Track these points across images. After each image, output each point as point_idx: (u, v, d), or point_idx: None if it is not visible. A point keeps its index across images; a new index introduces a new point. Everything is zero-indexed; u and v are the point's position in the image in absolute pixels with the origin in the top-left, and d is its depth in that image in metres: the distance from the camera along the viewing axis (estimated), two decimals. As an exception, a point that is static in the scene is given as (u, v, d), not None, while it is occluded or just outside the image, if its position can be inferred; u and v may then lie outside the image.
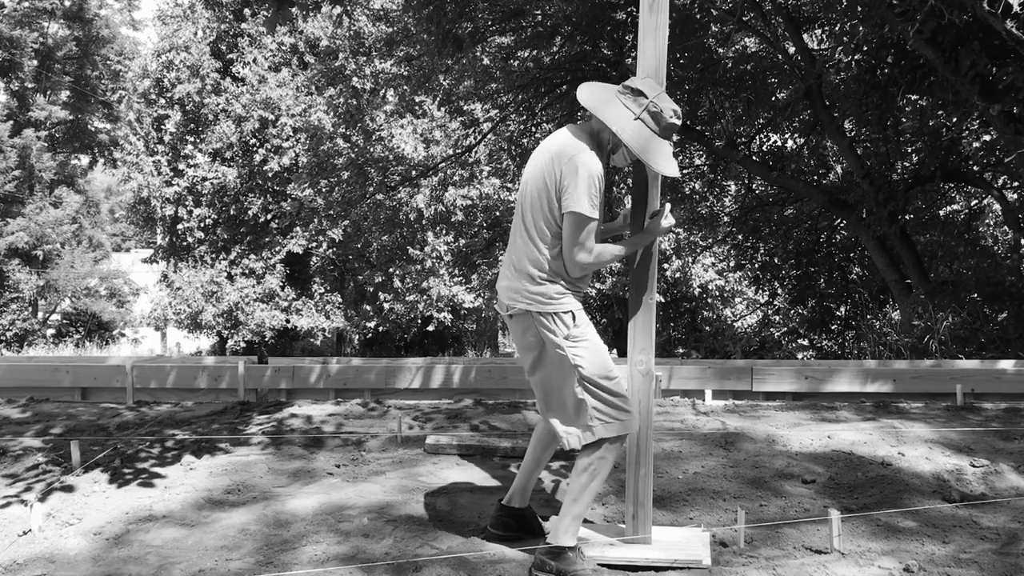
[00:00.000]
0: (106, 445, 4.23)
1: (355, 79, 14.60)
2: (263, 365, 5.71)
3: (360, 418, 4.95)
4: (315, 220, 15.73)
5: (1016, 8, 5.13)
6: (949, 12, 5.69)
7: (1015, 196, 10.51)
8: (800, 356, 11.65)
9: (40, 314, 23.82)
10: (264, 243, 17.07)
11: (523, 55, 10.00)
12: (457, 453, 4.07)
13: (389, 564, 2.69)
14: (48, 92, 25.30)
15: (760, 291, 14.94)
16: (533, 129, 10.51)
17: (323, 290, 17.52)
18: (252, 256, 16.82)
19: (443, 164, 13.40)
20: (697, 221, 13.45)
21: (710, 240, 14.49)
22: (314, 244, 16.63)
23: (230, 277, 16.66)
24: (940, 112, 9.21)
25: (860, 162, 9.49)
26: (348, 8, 11.17)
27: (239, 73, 16.69)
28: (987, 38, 6.52)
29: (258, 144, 16.78)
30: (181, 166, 17.01)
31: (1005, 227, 12.63)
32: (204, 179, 16.70)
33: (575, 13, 8.46)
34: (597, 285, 15.72)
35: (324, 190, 13.83)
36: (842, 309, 12.23)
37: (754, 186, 12.59)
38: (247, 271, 16.70)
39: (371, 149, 13.84)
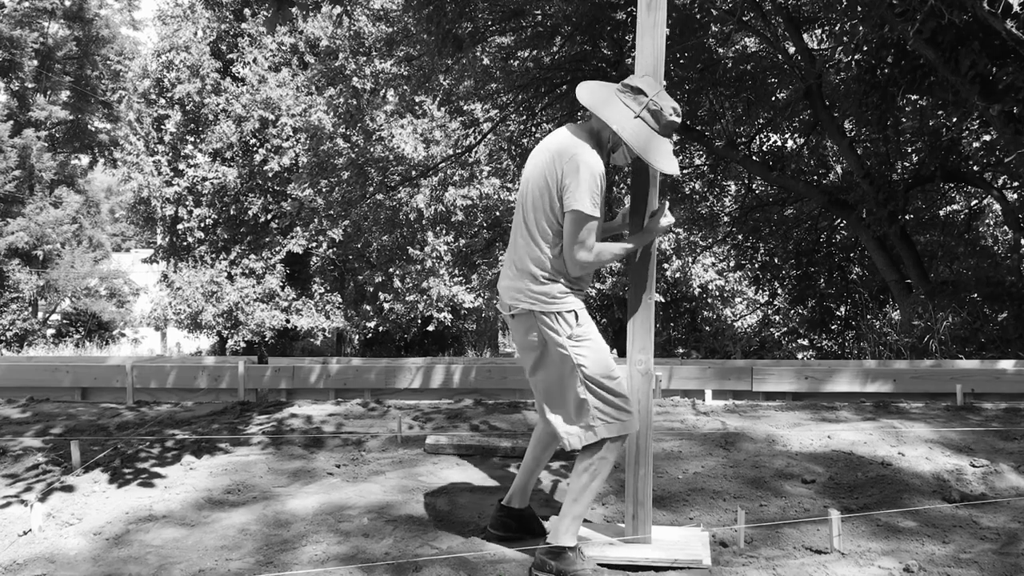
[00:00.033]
0: (106, 445, 4.23)
1: (355, 79, 14.60)
2: (263, 365, 5.71)
3: (360, 418, 4.95)
4: (315, 220, 15.74)
5: (1016, 8, 5.13)
6: (949, 12, 5.69)
7: (1015, 196, 10.51)
8: (800, 356, 11.66)
9: (40, 314, 23.82)
10: (264, 243, 17.08)
11: (523, 55, 10.00)
12: (457, 453, 4.07)
13: (389, 564, 2.69)
14: (48, 92, 25.31)
15: (760, 291, 14.95)
16: (533, 129, 10.51)
17: (323, 290, 17.52)
18: (252, 256, 16.82)
19: (443, 164, 13.40)
20: (697, 221, 13.45)
21: (710, 240, 14.49)
22: (314, 244, 16.64)
23: (230, 277, 16.66)
24: (940, 112, 9.22)
25: (860, 162, 9.49)
26: (348, 8, 11.17)
27: (239, 73, 16.70)
28: (987, 38, 6.52)
29: (258, 144, 16.78)
30: (181, 166, 17.02)
31: (1005, 227, 12.63)
32: (204, 179, 16.71)
33: (575, 13, 8.46)
34: (597, 285, 15.73)
35: (324, 190, 13.83)
36: (842, 309, 12.23)
37: (754, 186, 12.60)
38: (247, 271, 16.70)
39: (371, 149, 13.84)
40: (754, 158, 10.83)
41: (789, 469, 3.72)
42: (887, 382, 5.34)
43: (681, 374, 5.54)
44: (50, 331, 23.34)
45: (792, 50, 9.62)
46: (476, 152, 12.79)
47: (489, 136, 11.80)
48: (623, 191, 11.54)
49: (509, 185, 14.92)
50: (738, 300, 17.83)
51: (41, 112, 24.16)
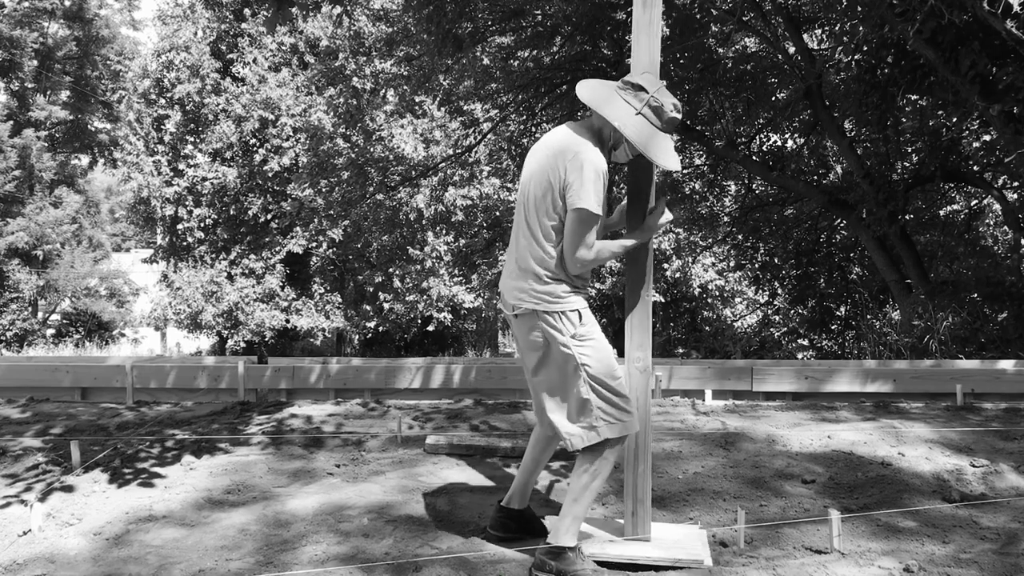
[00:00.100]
0: (106, 445, 4.23)
1: (355, 79, 14.60)
2: (263, 365, 5.71)
3: (360, 418, 4.95)
4: (315, 220, 15.74)
5: (1016, 8, 5.13)
6: (949, 12, 5.69)
7: (1015, 196, 10.51)
8: (800, 356, 11.66)
9: (40, 314, 23.82)
10: (264, 243, 17.08)
11: (523, 55, 10.00)
12: (457, 453, 4.07)
13: (389, 564, 2.69)
14: (48, 92, 25.31)
15: (760, 291, 14.95)
16: (533, 129, 10.52)
17: (323, 290, 17.52)
18: (252, 256, 16.82)
19: (443, 164, 13.40)
20: (697, 221, 13.45)
21: (710, 240, 14.49)
22: (314, 244, 16.64)
23: (230, 277, 16.66)
24: (940, 112, 9.21)
25: (860, 162, 9.49)
26: (348, 8, 11.17)
27: (239, 73, 16.70)
28: (987, 38, 6.52)
29: (258, 144, 16.78)
30: (181, 166, 17.02)
31: (1005, 227, 12.63)
32: (204, 179, 16.71)
33: (575, 13, 8.46)
34: (597, 285, 15.73)
35: (324, 190, 13.83)
36: (842, 309, 12.23)
37: (754, 186, 12.60)
38: (247, 271, 16.70)
39: (371, 149, 13.84)
40: (754, 158, 10.84)
41: (789, 469, 3.72)
42: (887, 382, 5.34)
43: (681, 374, 5.54)
44: (50, 331, 23.34)
45: (792, 50, 9.62)
46: (476, 152, 12.79)
47: (489, 136, 11.80)
48: (623, 191, 11.54)
49: (509, 185, 14.93)
50: (738, 300, 17.82)
51: (41, 112, 24.16)
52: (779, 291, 13.79)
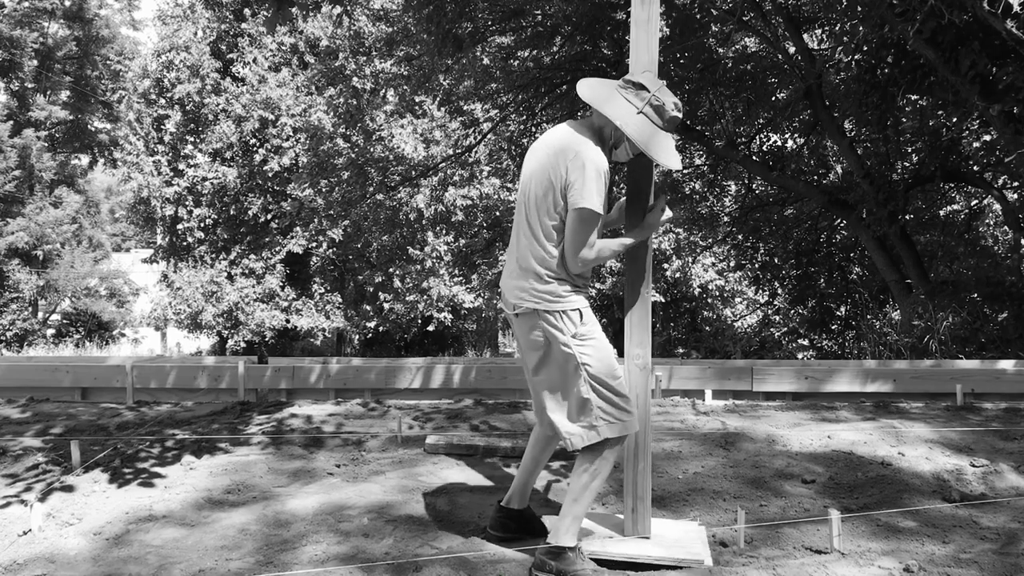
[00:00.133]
0: (106, 445, 4.23)
1: (355, 79, 14.60)
2: (263, 365, 5.71)
3: (360, 418, 4.95)
4: (315, 220, 15.74)
5: (1016, 8, 5.13)
6: (949, 12, 5.69)
7: (1015, 196, 10.51)
8: (800, 356, 11.65)
9: (40, 314, 23.83)
10: (264, 243, 17.08)
11: (523, 55, 10.00)
12: (457, 453, 4.07)
13: (389, 564, 2.69)
14: (48, 92, 25.31)
15: (760, 291, 14.95)
16: (533, 129, 10.52)
17: (323, 290, 17.53)
18: (252, 256, 16.83)
19: (443, 164, 13.40)
20: (697, 221, 13.45)
21: (710, 240, 14.49)
22: (314, 244, 16.64)
23: (230, 277, 16.66)
24: (940, 112, 9.22)
25: (860, 162, 9.50)
26: (348, 8, 11.17)
27: (239, 73, 16.70)
28: (987, 38, 6.52)
29: (258, 144, 16.78)
30: (181, 166, 17.02)
31: (1005, 227, 12.63)
32: (204, 179, 16.71)
33: (575, 13, 8.46)
34: (597, 285, 15.73)
35: (324, 190, 13.84)
36: (842, 309, 12.23)
37: (754, 186, 12.60)
38: (247, 271, 16.71)
39: (371, 149, 13.85)
40: (754, 158, 10.84)
41: (789, 469, 3.72)
42: (887, 382, 5.34)
43: (681, 374, 5.54)
44: (50, 331, 23.35)
45: (792, 50, 9.63)
46: (476, 152, 12.79)
47: (489, 136, 11.80)
48: (623, 190, 11.53)
49: (509, 185, 14.92)
50: (738, 300, 17.83)
51: (41, 112, 24.17)
52: (779, 291, 13.79)
